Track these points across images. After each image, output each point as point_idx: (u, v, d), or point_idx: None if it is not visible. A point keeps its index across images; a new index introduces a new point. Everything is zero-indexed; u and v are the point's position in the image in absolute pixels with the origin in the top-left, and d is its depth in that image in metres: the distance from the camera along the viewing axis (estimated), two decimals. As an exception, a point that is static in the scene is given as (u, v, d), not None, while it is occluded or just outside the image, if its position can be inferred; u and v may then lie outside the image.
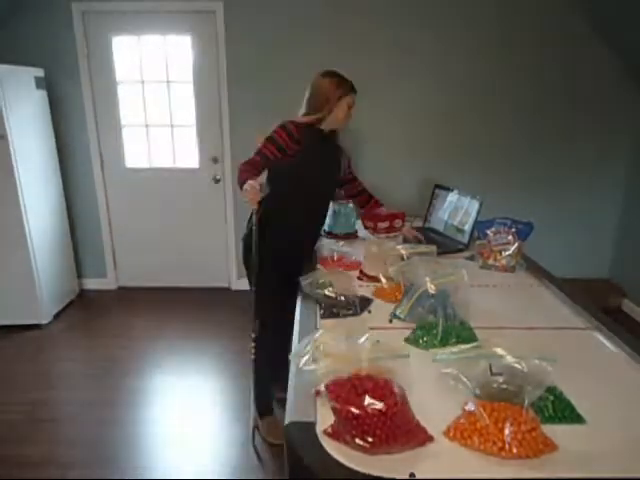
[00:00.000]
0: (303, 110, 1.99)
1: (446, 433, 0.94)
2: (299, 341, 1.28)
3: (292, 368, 1.15)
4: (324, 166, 2.03)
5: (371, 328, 1.35)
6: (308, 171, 1.94)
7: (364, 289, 1.65)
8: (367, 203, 2.27)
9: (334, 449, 0.90)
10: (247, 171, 1.83)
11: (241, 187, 1.77)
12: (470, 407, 0.95)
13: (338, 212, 2.33)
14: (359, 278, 1.77)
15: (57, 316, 3.37)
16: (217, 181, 3.59)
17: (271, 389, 2.21)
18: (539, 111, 3.37)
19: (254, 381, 2.11)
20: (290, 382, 1.12)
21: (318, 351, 1.12)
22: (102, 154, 3.57)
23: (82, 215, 3.68)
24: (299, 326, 1.41)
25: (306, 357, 1.11)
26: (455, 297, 1.38)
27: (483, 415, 0.91)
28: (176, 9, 3.26)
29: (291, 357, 1.17)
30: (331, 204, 2.38)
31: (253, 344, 2.04)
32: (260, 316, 2.02)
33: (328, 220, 2.36)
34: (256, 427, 2.18)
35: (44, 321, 3.24)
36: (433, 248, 1.72)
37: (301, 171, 1.93)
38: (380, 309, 1.52)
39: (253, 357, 2.06)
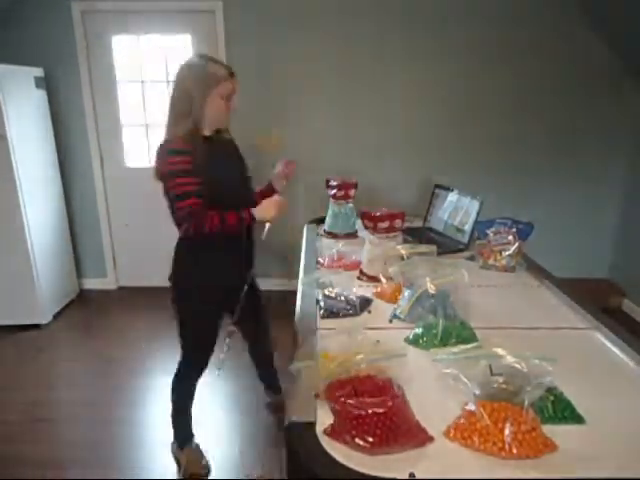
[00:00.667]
0: (168, 117, 1.66)
1: (446, 433, 0.94)
2: (299, 342, 1.28)
3: (293, 370, 1.15)
4: (229, 165, 1.74)
5: (371, 328, 1.35)
6: (215, 175, 1.61)
7: (364, 289, 1.65)
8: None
9: (334, 449, 0.90)
10: (203, 213, 1.55)
11: (222, 223, 1.55)
12: (470, 407, 0.94)
13: (338, 212, 2.33)
14: (359, 278, 1.77)
15: (57, 316, 3.37)
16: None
17: (190, 415, 2.02)
18: (539, 111, 3.37)
19: (172, 412, 2.00)
20: (290, 383, 1.12)
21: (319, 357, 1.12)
22: (102, 154, 3.57)
23: (82, 215, 3.68)
24: (299, 326, 1.40)
25: (306, 360, 1.11)
26: (455, 297, 1.38)
27: (483, 415, 0.91)
28: (176, 9, 3.26)
29: (293, 362, 1.17)
30: (331, 204, 2.37)
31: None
32: (187, 347, 1.91)
33: (328, 220, 2.36)
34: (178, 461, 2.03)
35: (44, 321, 3.24)
36: (433, 248, 1.71)
37: (208, 178, 1.58)
38: (380, 309, 1.52)
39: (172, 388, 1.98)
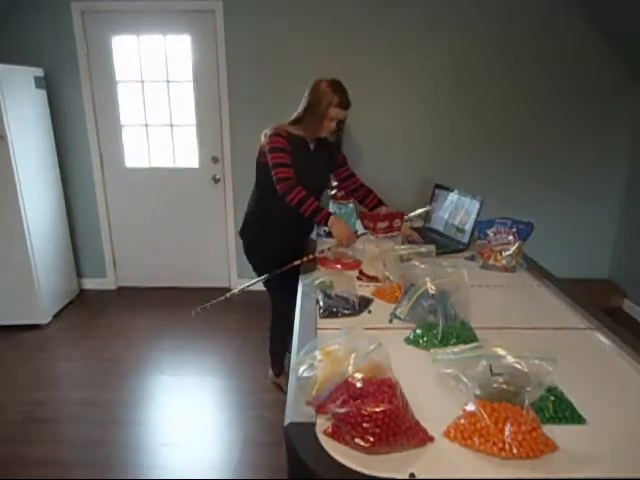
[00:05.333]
0: (299, 109, 2.06)
1: (446, 433, 0.94)
2: (298, 345, 1.27)
3: (291, 373, 1.14)
4: (315, 168, 2.10)
5: (371, 328, 1.35)
6: (302, 176, 1.98)
7: (364, 289, 1.65)
8: (366, 197, 2.23)
9: (334, 449, 0.90)
10: (294, 187, 1.92)
11: (300, 205, 1.91)
12: (470, 407, 0.94)
13: (338, 212, 2.33)
14: (359, 278, 1.76)
15: (57, 316, 3.37)
16: (217, 181, 3.58)
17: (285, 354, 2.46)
18: (539, 111, 3.37)
19: (271, 349, 2.50)
20: (290, 383, 1.12)
21: (317, 357, 1.11)
22: (102, 154, 3.57)
23: (82, 215, 3.68)
24: (299, 326, 1.40)
25: (305, 364, 1.10)
26: (455, 297, 1.37)
27: (483, 415, 0.91)
28: (175, 8, 3.26)
29: (291, 366, 1.16)
30: (331, 204, 2.38)
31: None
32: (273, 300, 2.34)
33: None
34: (278, 384, 2.53)
35: (44, 321, 3.24)
36: (433, 248, 1.72)
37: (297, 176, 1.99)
38: (380, 309, 1.52)
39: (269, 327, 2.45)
